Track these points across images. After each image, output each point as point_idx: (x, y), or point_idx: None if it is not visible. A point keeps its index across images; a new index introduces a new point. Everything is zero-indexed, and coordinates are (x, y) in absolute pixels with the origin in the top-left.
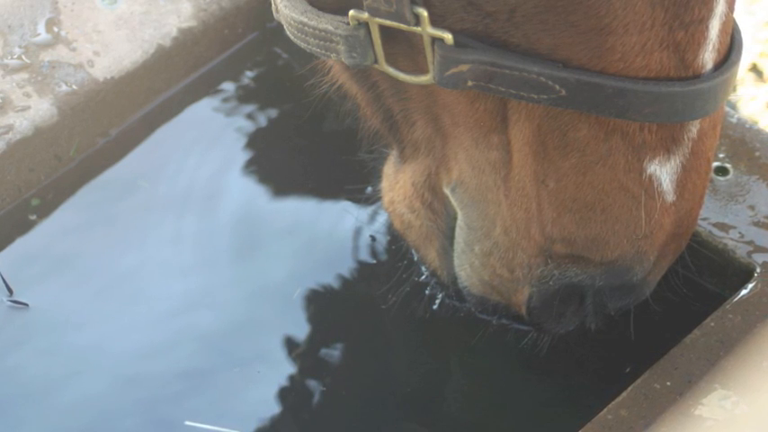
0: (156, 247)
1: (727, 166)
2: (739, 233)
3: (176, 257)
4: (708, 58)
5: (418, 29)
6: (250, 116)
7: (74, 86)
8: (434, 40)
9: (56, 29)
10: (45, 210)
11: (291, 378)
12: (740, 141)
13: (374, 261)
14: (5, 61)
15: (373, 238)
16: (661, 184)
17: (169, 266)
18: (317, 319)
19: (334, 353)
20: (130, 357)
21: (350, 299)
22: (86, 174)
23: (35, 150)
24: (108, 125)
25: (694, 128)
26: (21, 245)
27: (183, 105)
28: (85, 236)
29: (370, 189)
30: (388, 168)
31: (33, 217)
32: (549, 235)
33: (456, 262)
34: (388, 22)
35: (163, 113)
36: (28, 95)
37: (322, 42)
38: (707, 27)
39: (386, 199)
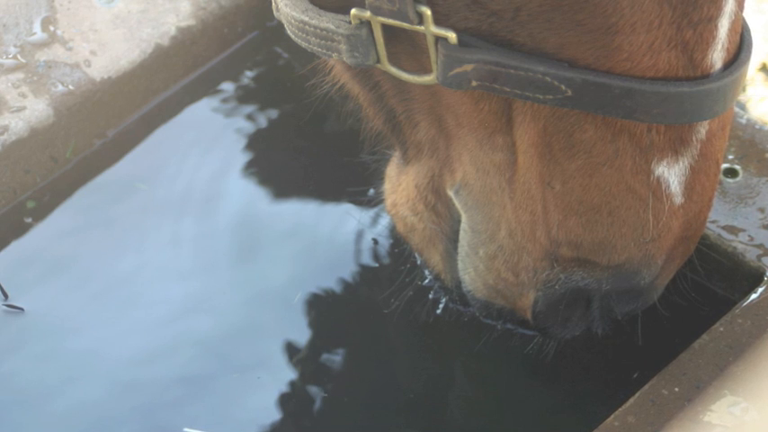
0: (154, 250)
1: (737, 167)
2: (749, 236)
3: (175, 261)
4: (717, 57)
5: (421, 28)
6: (250, 117)
7: (70, 86)
8: (438, 39)
9: (52, 28)
10: (41, 212)
11: (292, 384)
12: (750, 142)
13: (376, 265)
14: (0, 61)
15: (375, 242)
16: (669, 187)
17: (167, 270)
18: (318, 323)
19: (335, 358)
20: (128, 363)
21: (352, 303)
22: (83, 176)
23: (31, 152)
24: (105, 126)
25: (703, 129)
26: (16, 248)
27: (181, 106)
28: (82, 239)
29: (372, 191)
30: (391, 170)
31: (29, 219)
32: (555, 238)
33: (460, 265)
34: (390, 21)
35: (161, 114)
36: (23, 96)
37: (323, 42)
38: (716, 26)
39: (388, 201)
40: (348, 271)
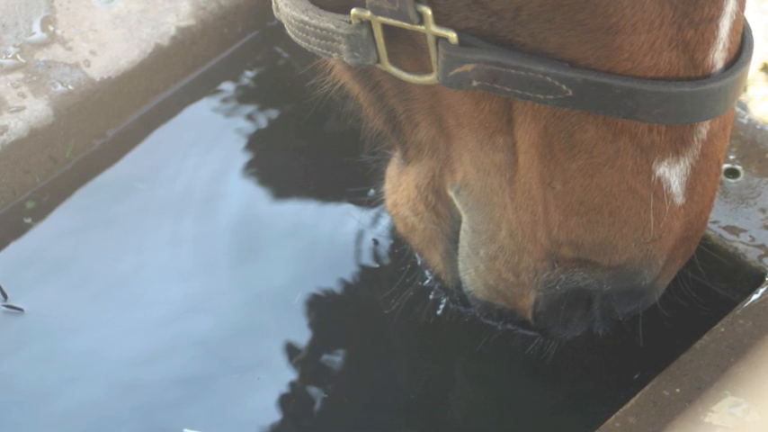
0: (154, 250)
1: (738, 167)
2: (750, 236)
3: (174, 261)
4: (718, 57)
5: (422, 28)
6: (250, 117)
7: (70, 87)
8: (438, 39)
9: (51, 28)
10: (40, 212)
11: (292, 385)
12: (751, 143)
13: (377, 265)
14: (0, 61)
15: (376, 242)
16: (670, 187)
17: (167, 270)
18: (318, 324)
19: (335, 359)
20: (128, 363)
21: (352, 304)
22: (83, 176)
23: (30, 152)
24: (105, 126)
25: (704, 129)
26: (15, 248)
27: (181, 106)
28: (82, 239)
29: (372, 191)
30: (391, 170)
31: (28, 220)
32: (556, 238)
33: (460, 266)
34: (391, 21)
35: (161, 114)
36: (23, 96)
37: (323, 41)
38: (717, 26)
39: (389, 202)
40: (348, 271)
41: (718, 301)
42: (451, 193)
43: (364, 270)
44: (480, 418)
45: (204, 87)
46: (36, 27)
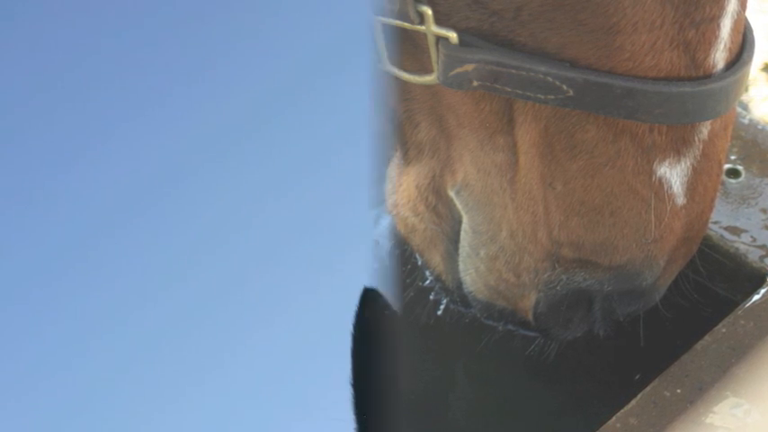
0: None
1: (739, 168)
2: (751, 237)
3: None
4: (719, 57)
5: (422, 27)
6: None
7: None
8: (439, 39)
9: None
10: None
11: None
12: (752, 143)
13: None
14: None
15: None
16: (671, 187)
17: None
18: None
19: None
20: None
21: None
22: None
23: None
24: None
25: (705, 129)
26: None
27: None
28: None
29: None
30: (392, 171)
31: None
32: (557, 239)
33: (461, 266)
34: (391, 21)
35: None
36: None
37: None
38: (718, 26)
39: (389, 202)
40: None
41: (720, 302)
42: (452, 194)
43: None
44: (480, 419)
45: None
46: None
